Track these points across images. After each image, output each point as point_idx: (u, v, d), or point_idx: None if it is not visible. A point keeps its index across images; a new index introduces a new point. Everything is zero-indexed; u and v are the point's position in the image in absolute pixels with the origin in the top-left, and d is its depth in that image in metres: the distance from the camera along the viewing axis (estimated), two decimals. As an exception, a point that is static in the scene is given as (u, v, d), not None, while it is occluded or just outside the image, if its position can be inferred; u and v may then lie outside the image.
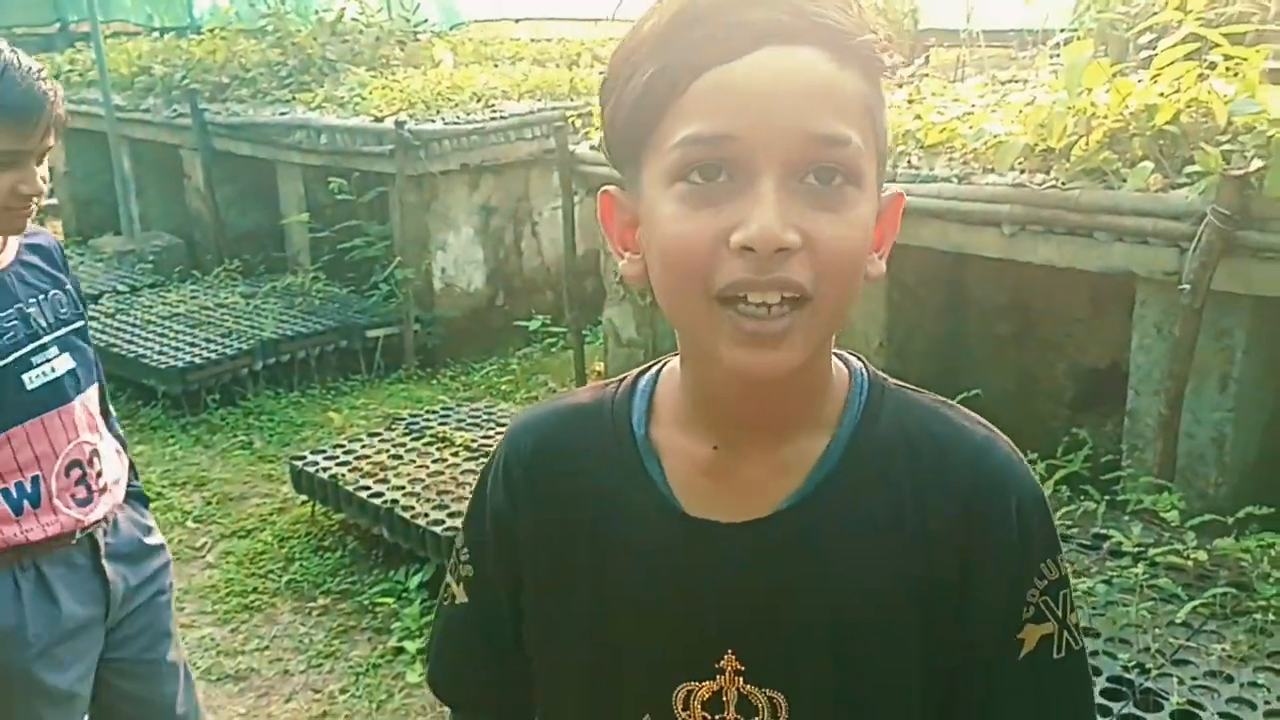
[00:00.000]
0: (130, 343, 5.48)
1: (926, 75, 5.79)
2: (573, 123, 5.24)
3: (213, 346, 5.37)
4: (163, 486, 4.56)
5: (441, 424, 4.30)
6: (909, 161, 3.88)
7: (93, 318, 5.82)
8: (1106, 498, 3.21)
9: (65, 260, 2.04)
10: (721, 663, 0.87)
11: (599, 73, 7.16)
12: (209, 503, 4.42)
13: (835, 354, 0.90)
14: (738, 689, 0.88)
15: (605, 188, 0.87)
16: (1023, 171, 3.53)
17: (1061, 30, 5.15)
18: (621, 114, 0.81)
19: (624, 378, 0.96)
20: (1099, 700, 2.39)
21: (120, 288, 6.57)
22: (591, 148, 4.89)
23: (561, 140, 4.98)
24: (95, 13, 7.64)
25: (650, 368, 0.96)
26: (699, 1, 0.76)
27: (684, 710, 0.89)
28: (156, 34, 9.96)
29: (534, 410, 1.00)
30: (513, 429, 0.99)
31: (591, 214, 5.40)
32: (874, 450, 0.87)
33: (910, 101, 4.53)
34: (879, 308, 4.03)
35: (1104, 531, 3.05)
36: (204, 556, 4.02)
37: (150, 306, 6.10)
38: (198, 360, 5.22)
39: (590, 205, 5.26)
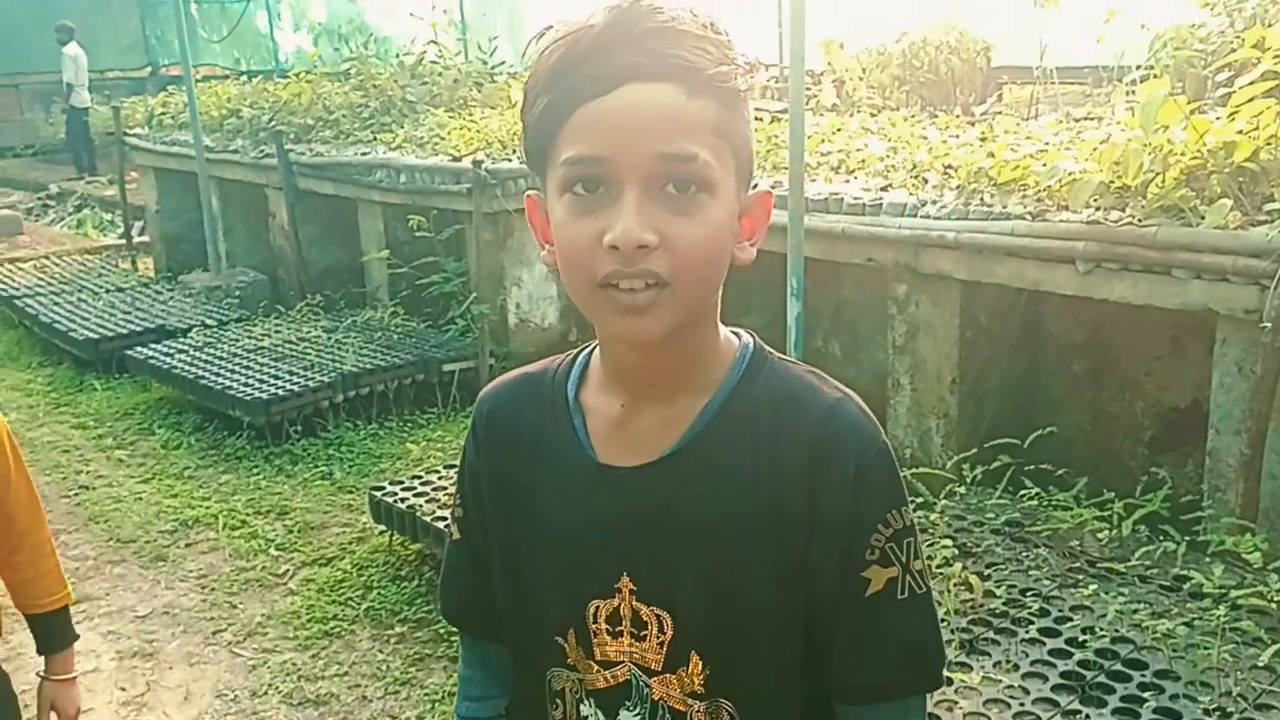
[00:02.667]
0: (217, 375, 5.65)
1: (999, 113, 5.79)
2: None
3: (295, 379, 5.52)
4: (247, 515, 4.68)
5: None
6: (982, 199, 3.89)
7: (181, 351, 6.05)
8: (1187, 539, 3.17)
9: None
10: (619, 584, 1.04)
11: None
12: (291, 531, 4.54)
13: (733, 331, 1.07)
14: (632, 606, 1.05)
15: (529, 191, 1.05)
16: (1098, 209, 3.52)
17: (1137, 67, 5.13)
18: (529, 134, 1.00)
19: (570, 352, 1.14)
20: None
21: (208, 322, 6.78)
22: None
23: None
24: (188, 58, 7.93)
25: (591, 344, 1.12)
26: (580, 45, 0.94)
27: (593, 624, 1.07)
28: (244, 77, 10.27)
29: (500, 378, 1.19)
30: (481, 393, 1.18)
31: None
32: (745, 408, 1.03)
33: (983, 139, 4.55)
34: (951, 346, 4.03)
35: (1184, 573, 3.01)
36: (286, 583, 4.13)
37: (236, 340, 6.29)
38: (281, 393, 5.36)
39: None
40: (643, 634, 1.05)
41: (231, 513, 4.71)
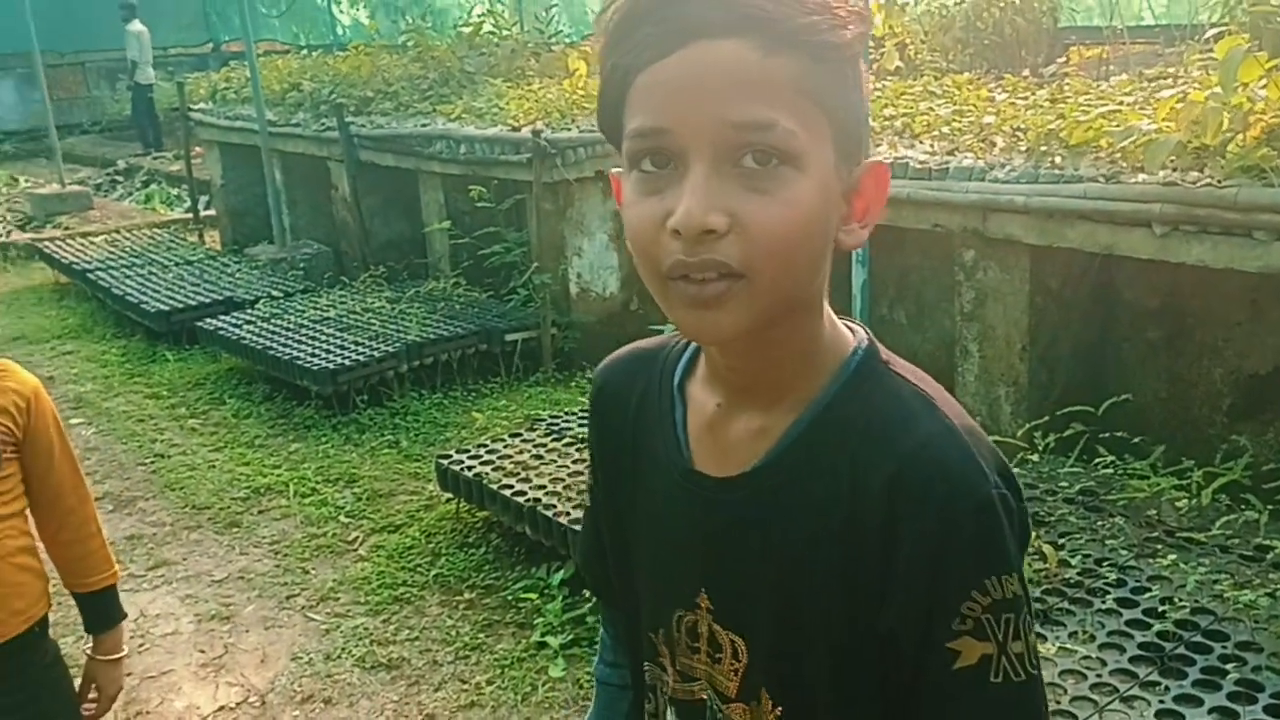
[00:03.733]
0: (285, 345, 5.74)
1: (1067, 74, 5.66)
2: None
3: (361, 349, 5.59)
4: (317, 482, 4.76)
5: (581, 425, 4.40)
6: (1053, 161, 3.81)
7: (249, 322, 6.15)
8: (1269, 508, 3.10)
9: None
10: (698, 599, 0.96)
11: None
12: (359, 499, 4.60)
13: (848, 325, 0.94)
14: (710, 625, 0.96)
15: (613, 170, 0.91)
16: (1175, 170, 3.43)
17: (1211, 25, 4.98)
18: (599, 103, 0.88)
19: None
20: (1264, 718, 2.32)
21: (274, 293, 6.89)
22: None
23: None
24: (250, 33, 8.01)
25: None
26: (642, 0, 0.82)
27: (676, 633, 0.99)
28: (303, 52, 10.35)
29: (617, 351, 1.10)
30: (598, 367, 1.10)
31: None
32: (834, 428, 0.89)
33: (1053, 101, 4.45)
34: (1021, 313, 3.96)
35: (1267, 543, 2.94)
36: (356, 550, 4.19)
37: (302, 311, 6.38)
38: (347, 363, 5.43)
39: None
40: (718, 656, 0.96)
41: (302, 480, 4.79)
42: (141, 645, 3.60)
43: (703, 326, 0.84)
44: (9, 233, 10.26)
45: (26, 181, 12.50)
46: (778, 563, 0.90)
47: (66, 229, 10.16)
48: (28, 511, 2.00)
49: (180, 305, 6.82)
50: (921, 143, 4.45)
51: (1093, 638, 2.65)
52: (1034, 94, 4.78)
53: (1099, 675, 2.51)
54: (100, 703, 2.11)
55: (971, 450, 0.85)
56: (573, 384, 5.68)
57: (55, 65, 13.72)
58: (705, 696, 0.99)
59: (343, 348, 5.65)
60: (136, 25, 13.89)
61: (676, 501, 0.97)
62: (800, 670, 0.91)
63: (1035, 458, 3.60)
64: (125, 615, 2.13)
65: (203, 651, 3.56)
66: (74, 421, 5.71)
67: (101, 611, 2.07)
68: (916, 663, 0.85)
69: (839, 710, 0.90)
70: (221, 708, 3.26)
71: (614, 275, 6.11)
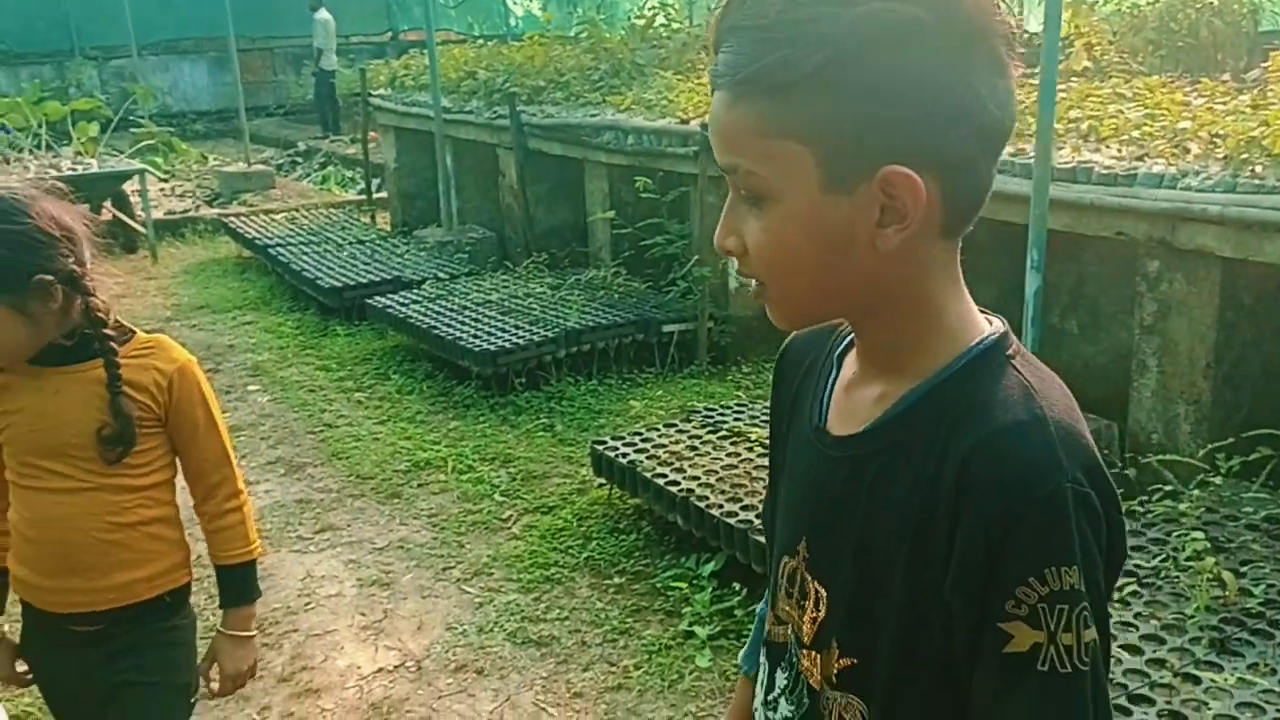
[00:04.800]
0: (448, 326, 5.91)
1: (1269, 80, 5.34)
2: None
3: (521, 333, 5.71)
4: (474, 460, 4.89)
5: (736, 419, 4.39)
6: (1253, 170, 3.61)
7: (416, 301, 6.35)
8: None
9: None
10: (799, 547, 1.04)
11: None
12: (514, 479, 4.70)
13: (987, 318, 0.98)
14: (802, 573, 1.04)
15: None
16: (1393, 183, 3.20)
17: None
18: None
19: None
20: None
21: (440, 275, 7.10)
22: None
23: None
24: (431, 23, 8.26)
25: None
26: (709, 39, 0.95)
27: (781, 578, 1.08)
28: (479, 41, 10.61)
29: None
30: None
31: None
32: (939, 406, 0.93)
33: (1255, 107, 4.21)
34: (1208, 328, 3.76)
35: None
36: (510, 528, 4.29)
37: (466, 294, 6.55)
38: (507, 345, 5.55)
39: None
40: (804, 604, 1.03)
41: (459, 457, 4.93)
42: (308, 604, 3.77)
43: (771, 318, 0.98)
44: (198, 207, 10.85)
45: (215, 159, 13.19)
46: (863, 522, 0.96)
47: (250, 206, 10.69)
48: (178, 483, 2.06)
49: (352, 283, 7.09)
50: (1108, 147, 4.28)
51: (1274, 670, 2.50)
52: (1234, 99, 4.53)
53: (1279, 711, 2.37)
54: (221, 681, 2.12)
55: (1053, 442, 0.87)
56: (727, 378, 5.67)
57: (245, 50, 14.42)
58: (787, 640, 1.07)
59: (503, 331, 5.78)
60: (323, 14, 14.51)
61: (803, 455, 1.06)
62: (869, 628, 0.96)
63: (1217, 480, 3.42)
64: (259, 595, 2.13)
65: (363, 615, 3.70)
66: (251, 388, 6.01)
67: (233, 587, 2.09)
68: (970, 639, 0.89)
69: (900, 670, 0.95)
70: (380, 669, 3.39)
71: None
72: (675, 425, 4.45)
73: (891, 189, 0.88)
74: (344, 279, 7.16)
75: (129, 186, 9.34)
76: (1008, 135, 0.92)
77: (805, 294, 0.95)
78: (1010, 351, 0.95)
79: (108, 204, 9.27)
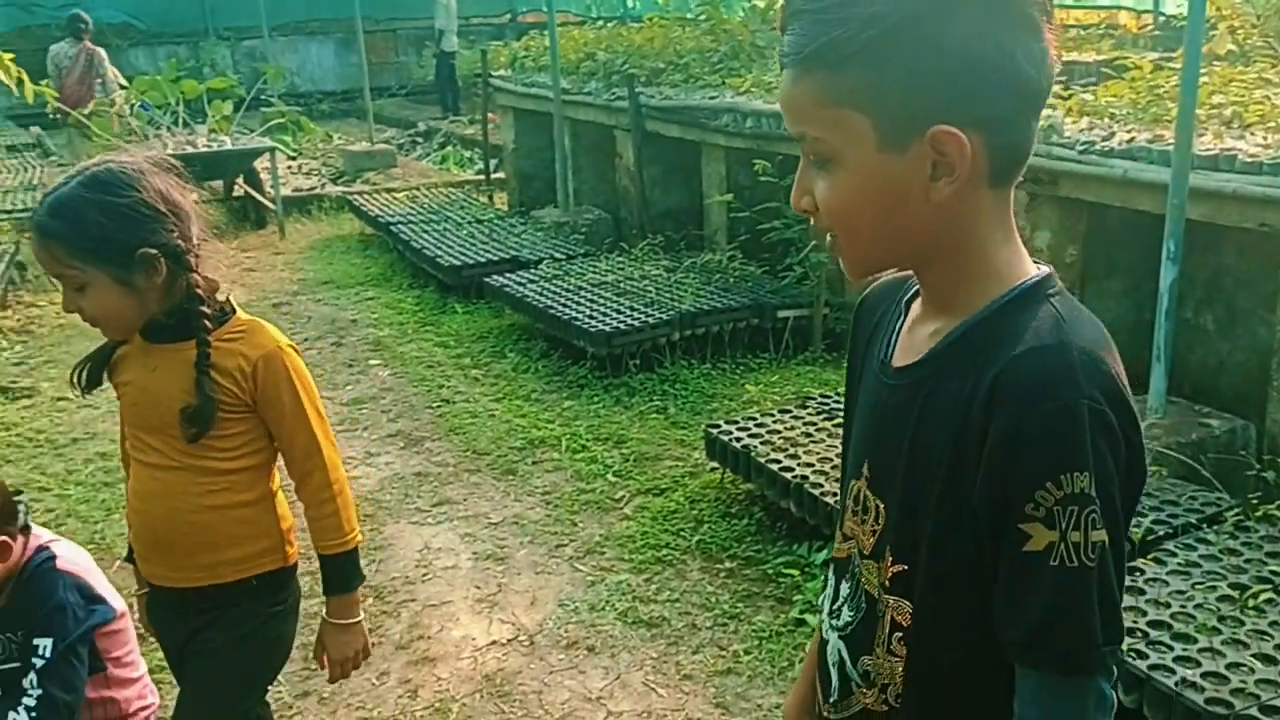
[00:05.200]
0: (564, 306, 5.97)
1: None
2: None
3: (635, 315, 5.74)
4: (587, 440, 4.94)
5: (851, 407, 4.34)
6: None
7: (533, 281, 6.43)
8: None
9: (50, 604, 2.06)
10: (864, 468, 1.17)
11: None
12: (627, 460, 4.74)
13: (1036, 263, 1.09)
14: (865, 491, 1.16)
15: None
16: None
17: None
18: None
19: None
20: None
21: (557, 255, 7.17)
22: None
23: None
24: (552, 5, 8.32)
25: None
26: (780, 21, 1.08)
27: (849, 499, 1.21)
28: (599, 22, 10.65)
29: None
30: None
31: (1019, 203, 5.21)
32: (980, 337, 1.05)
33: None
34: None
35: None
36: (622, 508, 4.32)
37: (582, 274, 6.61)
38: (622, 327, 5.59)
39: (1018, 194, 5.07)
40: (865, 519, 1.16)
41: (573, 437, 4.98)
42: (425, 575, 3.87)
43: (843, 267, 1.12)
44: (323, 185, 11.16)
45: (339, 139, 13.54)
46: (912, 441, 1.08)
47: (373, 184, 10.95)
48: (275, 468, 2.06)
49: (470, 261, 7.21)
50: (1252, 134, 4.09)
51: None
52: None
53: None
54: (329, 667, 2.14)
55: (1074, 364, 0.97)
56: (842, 365, 5.59)
57: (370, 32, 14.74)
58: (851, 553, 1.19)
59: (619, 312, 5.81)
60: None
61: (870, 387, 1.19)
62: (914, 535, 1.08)
63: (1363, 487, 3.26)
64: (362, 581, 2.11)
65: (478, 588, 3.78)
66: (372, 363, 6.17)
67: (333, 575, 2.07)
68: (994, 541, 1.00)
69: (935, 572, 1.07)
70: (494, 642, 3.46)
71: (892, 258, 5.99)
72: (790, 411, 4.42)
73: (940, 146, 0.99)
74: (463, 257, 7.29)
75: (259, 164, 9.66)
76: (1045, 94, 1.03)
77: (870, 243, 1.08)
78: (1051, 290, 1.05)
79: (240, 180, 9.60)
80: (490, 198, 9.81)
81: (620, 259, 7.00)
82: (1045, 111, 4.13)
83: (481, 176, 10.87)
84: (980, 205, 1.04)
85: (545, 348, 6.13)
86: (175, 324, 1.91)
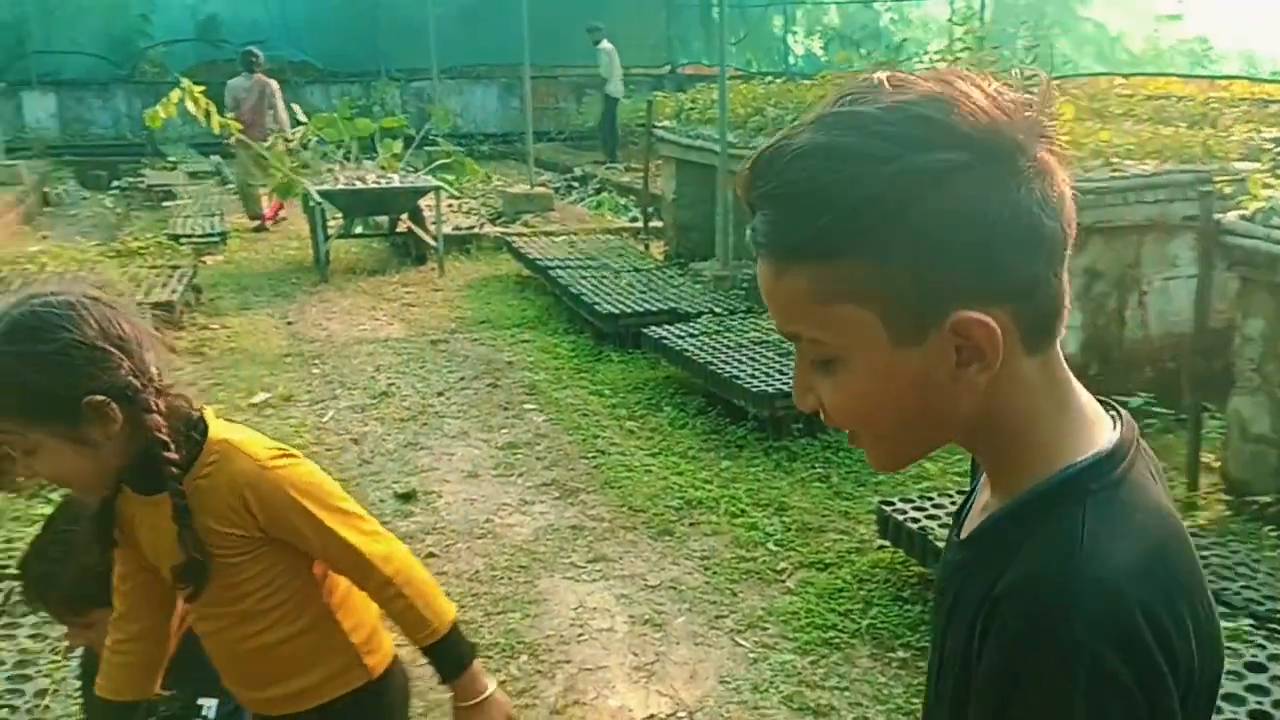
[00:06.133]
0: (725, 362, 5.83)
1: None
2: (1220, 188, 4.74)
3: (800, 377, 5.55)
4: (747, 504, 4.76)
5: (1038, 494, 4.07)
6: None
7: (692, 335, 6.32)
8: None
9: None
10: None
11: (1230, 137, 6.47)
12: (789, 529, 4.54)
13: (1113, 416, 0.94)
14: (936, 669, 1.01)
15: None
16: None
17: None
18: None
19: None
20: None
21: (716, 310, 7.06)
22: (1242, 217, 4.39)
23: (1206, 206, 4.53)
24: (724, 59, 8.28)
25: None
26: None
27: None
28: (765, 78, 10.59)
29: None
30: None
31: (1226, 288, 4.87)
32: (1009, 529, 0.91)
33: None
34: None
35: None
36: (784, 581, 4.13)
37: (743, 331, 6.47)
38: (785, 388, 5.41)
39: (1227, 279, 4.74)
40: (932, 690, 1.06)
41: (732, 500, 4.81)
42: (580, 635, 3.74)
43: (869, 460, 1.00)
44: (482, 225, 11.33)
45: (498, 180, 13.78)
46: (944, 626, 0.97)
47: (531, 226, 11.06)
48: (326, 581, 1.84)
49: (628, 310, 7.15)
50: None
51: None
52: None
53: None
54: None
55: (1074, 604, 0.82)
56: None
57: (533, 78, 15.02)
58: None
59: (782, 373, 5.64)
60: (606, 44, 14.96)
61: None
62: None
63: None
64: (472, 657, 1.86)
65: (635, 655, 3.63)
66: (527, 407, 6.13)
67: (439, 662, 1.86)
68: None
69: None
70: (652, 715, 3.30)
71: (1075, 335, 5.67)
72: (967, 491, 4.16)
73: (965, 331, 0.85)
74: (620, 305, 7.23)
75: (423, 201, 9.85)
76: (1068, 241, 0.88)
77: (895, 439, 0.94)
78: (1094, 486, 0.88)
79: (404, 216, 9.81)
80: (646, 246, 9.78)
81: (782, 318, 6.83)
82: (1266, 193, 3.80)
83: (637, 224, 10.87)
84: (1019, 378, 0.89)
85: (703, 404, 5.99)
86: (146, 473, 1.64)
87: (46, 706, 2.91)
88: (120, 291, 1.65)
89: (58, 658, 3.11)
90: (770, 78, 12.57)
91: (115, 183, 13.95)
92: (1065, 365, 0.93)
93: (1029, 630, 0.83)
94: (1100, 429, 0.92)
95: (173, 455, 1.61)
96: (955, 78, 0.85)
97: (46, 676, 3.04)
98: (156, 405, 1.60)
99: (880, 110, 0.84)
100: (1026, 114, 0.85)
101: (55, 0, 17.09)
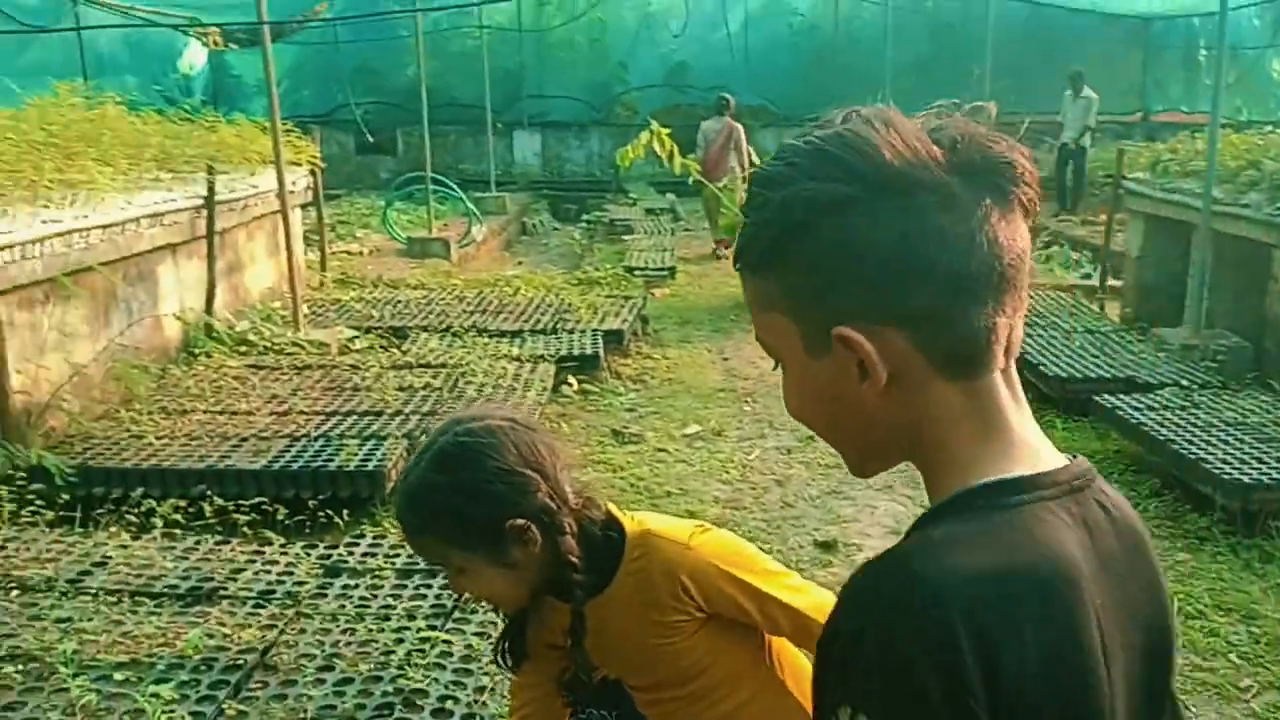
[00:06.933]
0: (1190, 443, 5.22)
1: None
2: None
3: (1283, 468, 4.86)
4: (1206, 606, 4.21)
5: None
6: None
7: (1151, 408, 5.74)
8: None
9: None
10: None
11: None
12: (1257, 641, 3.95)
13: (1012, 469, 0.93)
14: None
15: None
16: None
17: None
18: None
19: None
20: None
21: (1182, 382, 6.36)
22: None
23: None
24: (1218, 104, 7.51)
25: None
26: None
27: None
28: (1267, 128, 9.46)
29: None
30: None
31: None
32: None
33: None
34: None
35: None
36: (1248, 701, 3.59)
37: (1215, 409, 5.77)
38: (1265, 480, 4.74)
39: None
40: None
41: (1188, 598, 4.27)
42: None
43: None
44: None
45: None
46: None
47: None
48: (765, 655, 1.80)
49: (1079, 375, 6.63)
50: None
51: None
52: None
53: None
54: None
55: (885, 587, 0.87)
56: None
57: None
58: None
59: (1260, 461, 4.96)
60: (1089, 91, 14.16)
61: None
62: None
63: None
64: None
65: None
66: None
67: None
68: None
69: None
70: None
71: None
72: None
73: (848, 346, 0.91)
74: (1069, 369, 6.73)
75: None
76: (985, 274, 0.90)
77: (841, 443, 1.01)
78: (983, 502, 0.91)
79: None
80: (1101, 307, 9.06)
81: (1266, 398, 6.02)
82: None
83: (1091, 282, 10.12)
84: (938, 400, 0.93)
85: (1158, 485, 5.40)
86: (563, 589, 1.69)
87: (484, 704, 3.13)
88: (530, 421, 1.73)
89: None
90: (1269, 127, 11.23)
91: (583, 216, 15.23)
92: (1010, 398, 0.95)
93: (842, 605, 0.90)
94: (1029, 462, 0.93)
95: (580, 578, 1.65)
96: (874, 117, 0.91)
97: (486, 674, 3.28)
98: (570, 527, 1.65)
99: (801, 143, 0.93)
100: (925, 154, 0.89)
101: (549, 51, 19.02)
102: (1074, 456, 0.98)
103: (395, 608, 3.75)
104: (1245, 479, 4.75)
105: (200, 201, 6.96)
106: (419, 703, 3.15)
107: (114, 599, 3.76)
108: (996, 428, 0.93)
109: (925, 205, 0.89)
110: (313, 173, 9.44)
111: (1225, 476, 4.80)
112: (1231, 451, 5.10)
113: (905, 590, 0.85)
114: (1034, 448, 0.95)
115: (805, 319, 0.94)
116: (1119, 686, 0.91)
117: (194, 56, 17.81)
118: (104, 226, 5.78)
